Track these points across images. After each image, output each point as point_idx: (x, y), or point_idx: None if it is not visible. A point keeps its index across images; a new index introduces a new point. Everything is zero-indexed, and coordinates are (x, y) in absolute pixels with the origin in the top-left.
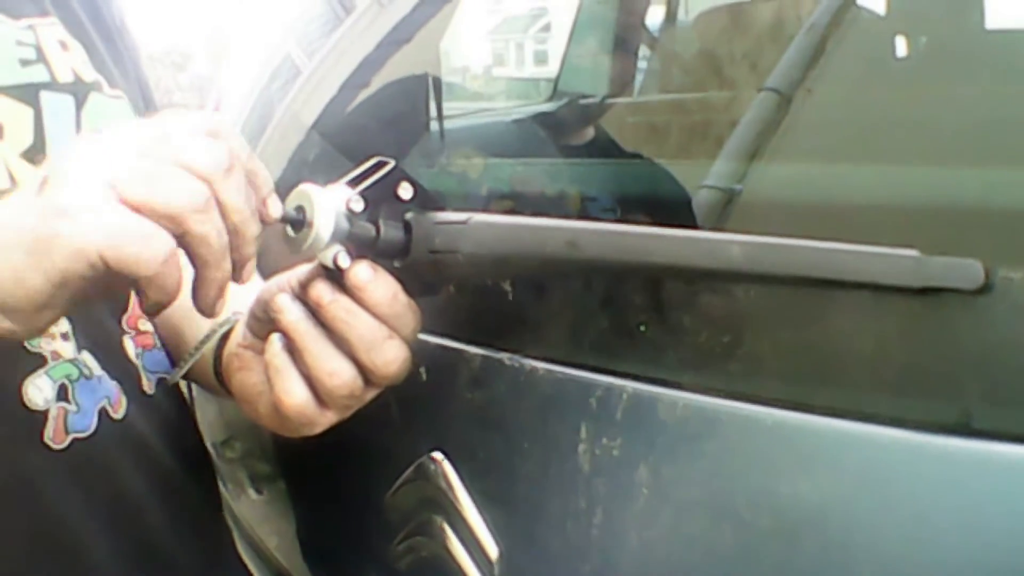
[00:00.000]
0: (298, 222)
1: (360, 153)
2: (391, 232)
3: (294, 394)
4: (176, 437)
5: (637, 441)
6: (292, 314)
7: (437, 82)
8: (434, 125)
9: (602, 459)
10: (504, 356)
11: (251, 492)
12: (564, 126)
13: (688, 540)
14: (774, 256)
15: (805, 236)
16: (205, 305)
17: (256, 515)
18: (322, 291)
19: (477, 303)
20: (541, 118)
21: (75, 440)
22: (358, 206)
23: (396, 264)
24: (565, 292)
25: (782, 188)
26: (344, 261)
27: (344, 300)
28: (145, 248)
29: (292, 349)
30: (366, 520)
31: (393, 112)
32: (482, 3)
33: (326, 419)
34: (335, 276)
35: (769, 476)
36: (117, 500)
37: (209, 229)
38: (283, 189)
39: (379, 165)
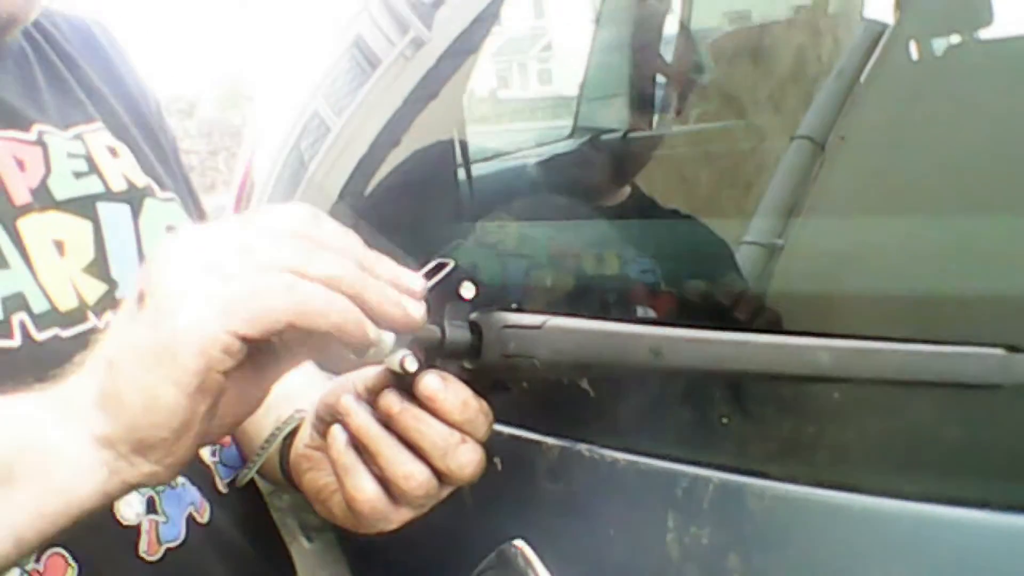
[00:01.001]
0: None
1: (388, 221)
2: (457, 333)
3: (365, 491)
4: (257, 531)
5: (726, 529)
6: (360, 417)
7: (464, 145)
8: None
9: (691, 547)
10: (583, 447)
11: (303, 540)
12: (591, 169)
13: None
14: (862, 361)
15: (852, 290)
16: (396, 324)
17: (308, 563)
18: (391, 401)
19: (552, 395)
20: (567, 161)
21: (168, 551)
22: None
23: (466, 366)
24: (644, 385)
25: (824, 241)
26: (411, 365)
27: (414, 409)
28: (268, 292)
29: (361, 448)
30: None
31: (418, 177)
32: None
33: (401, 516)
34: (403, 380)
35: (859, 561)
36: None
37: (330, 267)
38: None
39: (438, 267)
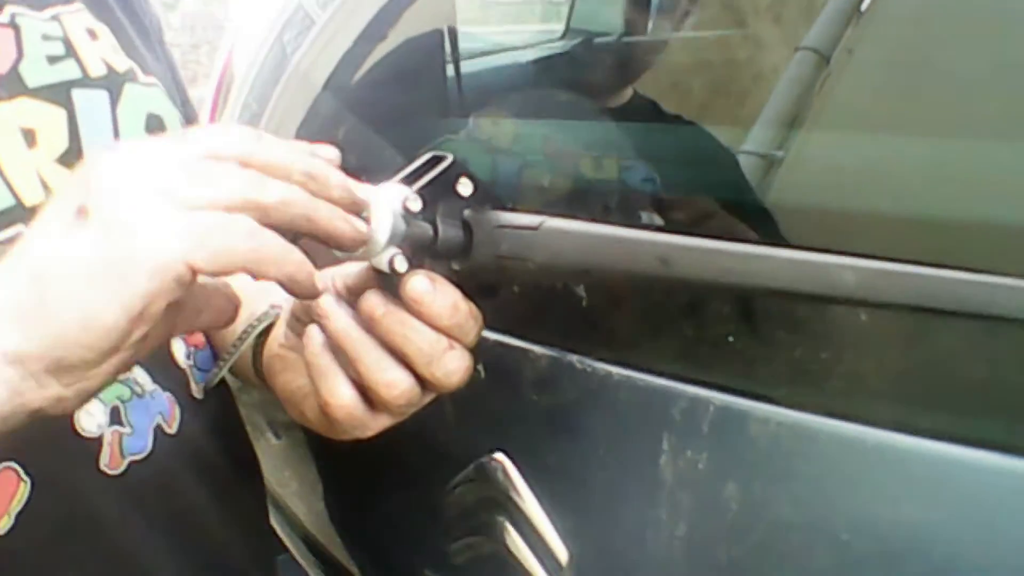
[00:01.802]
0: None
1: (374, 112)
2: (450, 232)
3: (341, 396)
4: (228, 438)
5: (725, 455)
6: (340, 320)
7: (453, 34)
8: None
9: (686, 472)
10: (574, 358)
11: (270, 436)
12: (587, 69)
13: (781, 559)
14: (891, 284)
15: (854, 207)
16: (344, 244)
17: (275, 459)
18: (374, 302)
19: (543, 301)
20: (562, 61)
21: (132, 463)
22: (416, 205)
23: (455, 266)
24: (644, 297)
25: (827, 155)
26: (401, 265)
27: (399, 312)
28: (230, 233)
29: (339, 352)
30: (412, 511)
31: (407, 68)
32: None
33: (378, 423)
34: (388, 280)
35: (870, 498)
36: (177, 517)
37: (279, 193)
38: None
39: (435, 160)
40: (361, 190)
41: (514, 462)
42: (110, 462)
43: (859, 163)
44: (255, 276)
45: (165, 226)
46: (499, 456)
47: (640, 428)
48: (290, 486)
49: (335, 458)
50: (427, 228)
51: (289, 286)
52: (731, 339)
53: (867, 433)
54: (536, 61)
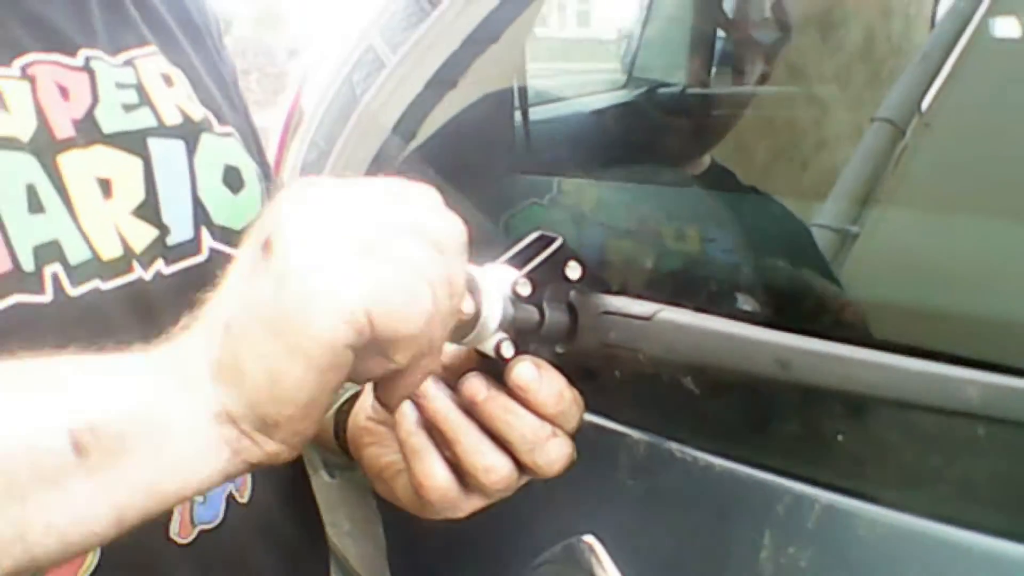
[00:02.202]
0: None
1: (442, 160)
2: (556, 316)
3: (436, 477)
4: (298, 504)
5: (829, 555)
6: (439, 401)
7: (523, 91)
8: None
9: (787, 569)
10: (673, 446)
11: (323, 475)
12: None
13: None
14: (1015, 401)
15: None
16: (389, 402)
17: (327, 499)
18: (477, 387)
19: (644, 385)
20: (628, 114)
21: (202, 532)
22: (525, 291)
23: (559, 350)
24: (750, 389)
25: (905, 234)
26: (508, 351)
27: (502, 398)
28: (412, 301)
29: (434, 432)
30: None
31: (477, 117)
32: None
33: (471, 504)
34: (488, 361)
35: None
36: None
37: (448, 308)
38: None
39: (543, 240)
40: (470, 271)
41: (604, 546)
42: (180, 530)
43: (939, 244)
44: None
45: (349, 271)
46: (589, 538)
47: (740, 521)
48: (342, 527)
49: (406, 514)
50: (534, 312)
51: (386, 398)
52: (840, 437)
53: (975, 540)
54: (601, 112)
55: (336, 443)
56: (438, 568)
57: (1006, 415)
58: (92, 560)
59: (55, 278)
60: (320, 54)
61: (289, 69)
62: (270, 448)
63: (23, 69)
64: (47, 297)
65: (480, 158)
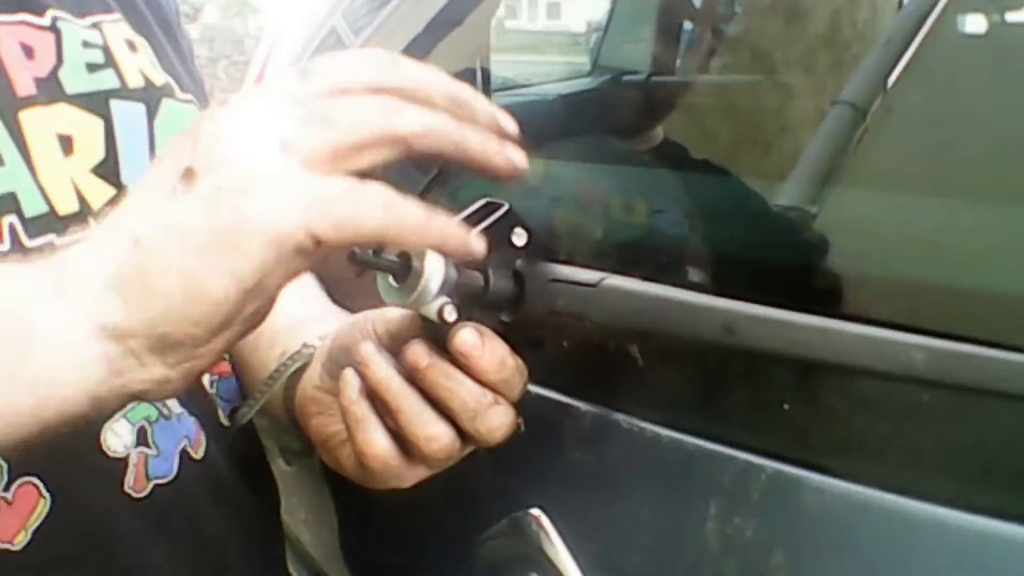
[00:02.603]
0: (400, 270)
1: None
2: (501, 283)
3: (378, 446)
4: (251, 468)
5: (775, 524)
6: (381, 369)
7: (486, 74)
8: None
9: (734, 539)
10: (621, 417)
11: (280, 463)
12: (619, 110)
13: None
14: (964, 367)
15: (890, 270)
16: (501, 173)
17: (285, 486)
18: (419, 353)
19: (589, 356)
20: (594, 101)
21: (156, 486)
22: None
23: (504, 318)
24: (697, 358)
25: (864, 214)
26: (451, 315)
27: (444, 365)
28: (361, 201)
29: (377, 400)
30: (437, 560)
31: None
32: None
33: (415, 474)
34: (432, 328)
35: (922, 574)
36: (198, 543)
37: (421, 120)
38: None
39: (490, 206)
40: None
41: (551, 519)
42: (135, 484)
43: (897, 223)
44: (391, 245)
45: (284, 189)
46: (535, 511)
47: (686, 491)
48: (298, 514)
49: (356, 496)
50: (478, 278)
51: (443, 251)
52: (786, 406)
53: (922, 508)
54: (566, 97)
55: (285, 414)
56: (387, 546)
57: (951, 380)
58: (43, 508)
59: (12, 228)
60: (282, 37)
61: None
62: (157, 372)
63: None
64: (4, 246)
65: None
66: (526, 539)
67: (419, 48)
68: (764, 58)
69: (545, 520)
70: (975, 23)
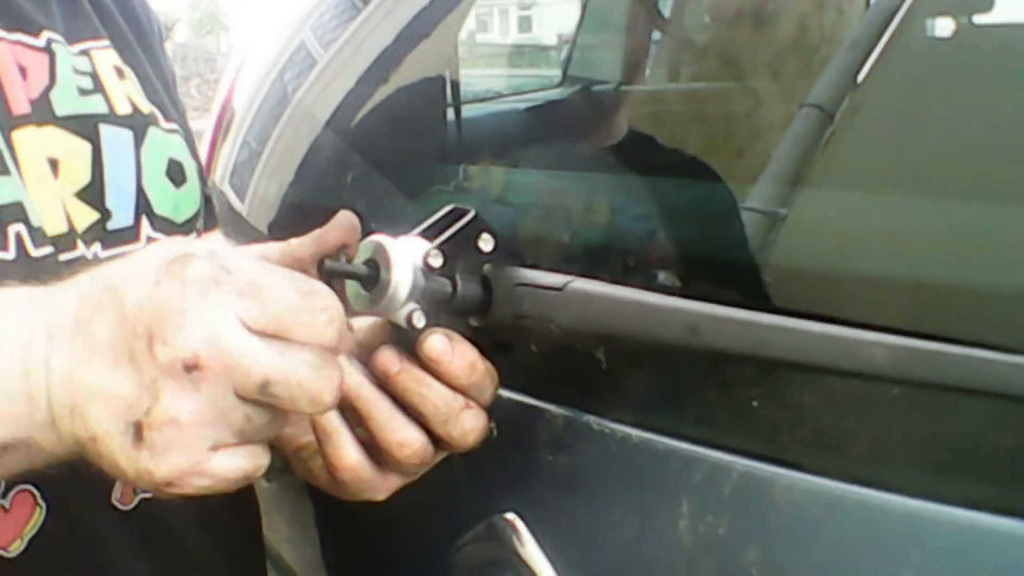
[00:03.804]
0: (368, 278)
1: (375, 151)
2: (469, 288)
3: (349, 459)
4: (235, 493)
5: (747, 521)
6: (351, 377)
7: (455, 84)
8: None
9: (706, 537)
10: (591, 419)
11: (260, 480)
12: (584, 116)
13: None
14: (923, 364)
15: (859, 270)
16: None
17: (265, 504)
18: (389, 359)
19: (559, 359)
20: (560, 108)
21: (142, 500)
22: (437, 261)
23: (473, 323)
24: (666, 358)
25: (833, 215)
26: (419, 322)
27: (414, 370)
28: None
29: (346, 409)
30: (417, 568)
31: (409, 110)
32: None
33: (389, 484)
34: (402, 335)
35: (894, 566)
36: (181, 559)
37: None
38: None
39: (456, 213)
40: (381, 242)
41: (526, 523)
42: (122, 497)
43: (866, 223)
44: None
45: (196, 480)
46: (510, 516)
47: (658, 491)
48: (279, 532)
49: (336, 510)
50: (446, 284)
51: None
52: (755, 403)
53: (892, 500)
54: (535, 108)
55: None
56: (368, 559)
57: (911, 377)
58: (39, 516)
59: (18, 237)
60: (251, 54)
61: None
62: None
63: None
64: (10, 254)
65: (408, 146)
66: (501, 543)
67: (387, 61)
68: (733, 64)
69: (520, 523)
70: (943, 26)
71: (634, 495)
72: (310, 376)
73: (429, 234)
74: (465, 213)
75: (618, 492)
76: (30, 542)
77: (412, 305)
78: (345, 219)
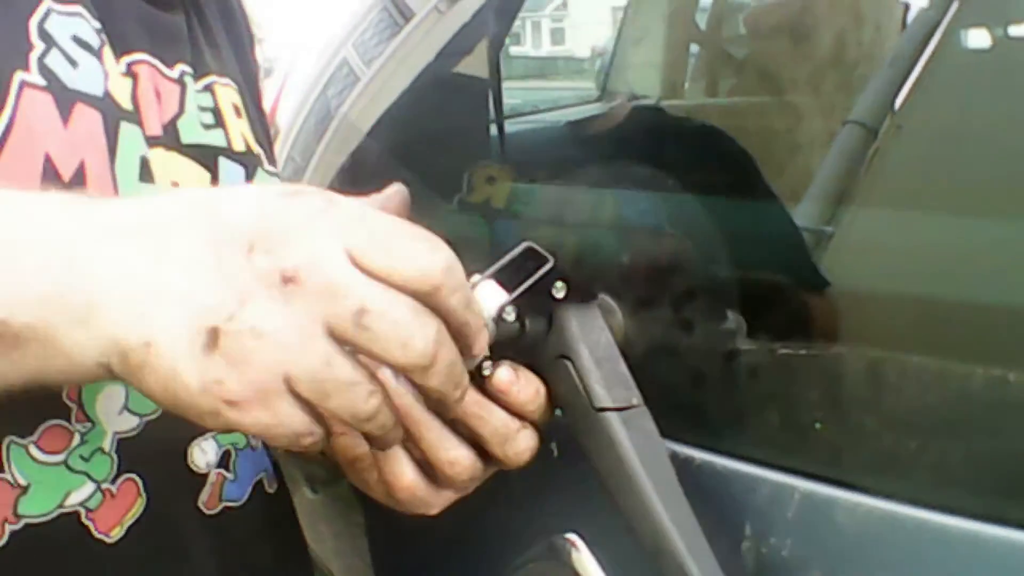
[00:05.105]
0: None
1: (417, 162)
2: (536, 327)
3: (405, 478)
4: (291, 517)
5: (810, 543)
6: (404, 398)
7: (498, 90)
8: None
9: (769, 559)
10: None
11: (306, 491)
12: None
13: None
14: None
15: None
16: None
17: (310, 514)
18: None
19: None
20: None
21: (226, 508)
22: (510, 317)
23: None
24: (729, 381)
25: (879, 233)
26: (487, 370)
27: (474, 393)
28: (295, 444)
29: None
30: None
31: (450, 121)
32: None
33: (443, 499)
34: None
35: None
36: (244, 569)
37: (374, 430)
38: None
39: (533, 257)
40: None
41: (586, 543)
42: (208, 501)
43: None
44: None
45: (260, 412)
46: (571, 536)
47: (721, 513)
48: (325, 542)
49: (390, 524)
50: (515, 327)
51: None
52: (819, 426)
53: (954, 523)
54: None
55: None
56: (420, 572)
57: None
58: (139, 507)
59: None
60: (291, 71)
61: (263, 88)
62: None
63: (128, 66)
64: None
65: (451, 158)
66: (561, 563)
67: (429, 77)
68: (771, 79)
69: (581, 544)
70: (981, 38)
71: (696, 517)
72: (407, 317)
73: (502, 277)
74: (542, 261)
75: None
76: (128, 530)
77: (484, 360)
78: (399, 195)
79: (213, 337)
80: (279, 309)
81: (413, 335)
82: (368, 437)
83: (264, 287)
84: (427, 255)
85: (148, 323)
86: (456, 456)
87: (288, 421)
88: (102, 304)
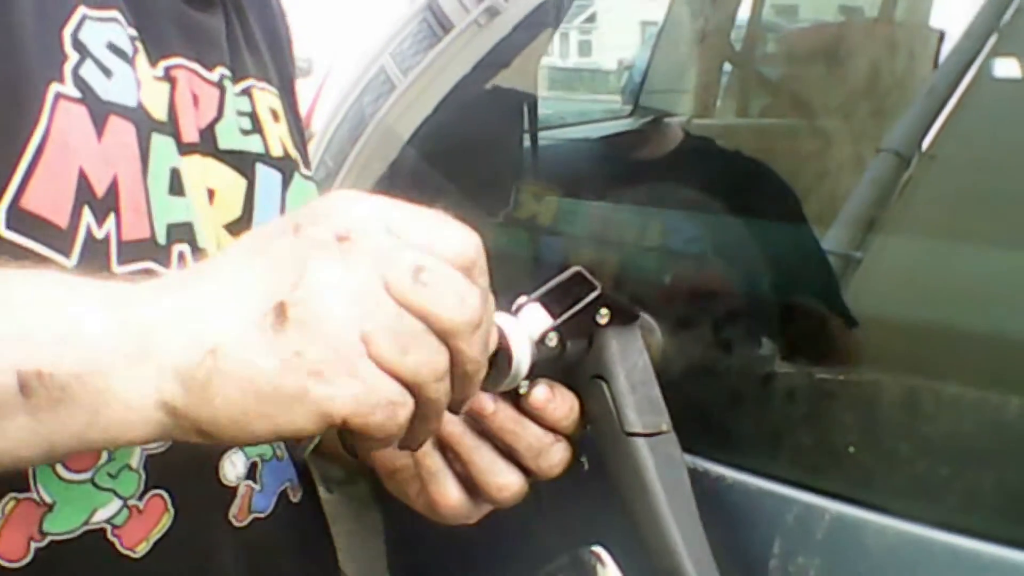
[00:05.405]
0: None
1: (453, 169)
2: (576, 348)
3: (451, 497)
4: (324, 526)
5: (838, 564)
6: (453, 424)
7: (533, 104)
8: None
9: None
10: (686, 458)
11: (321, 490)
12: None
13: None
14: None
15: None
16: (412, 444)
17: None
18: (485, 402)
19: None
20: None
21: (255, 519)
22: (553, 342)
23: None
24: (761, 401)
25: (910, 261)
26: (523, 388)
27: (509, 410)
28: (391, 418)
29: (446, 448)
30: None
31: (488, 131)
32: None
33: (481, 512)
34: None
35: None
36: None
37: (441, 396)
38: None
39: (580, 283)
40: (500, 326)
41: (612, 556)
42: (238, 513)
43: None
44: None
45: (348, 382)
46: (597, 548)
47: (750, 530)
48: (339, 543)
49: (411, 531)
50: (556, 349)
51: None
52: (852, 449)
53: (982, 548)
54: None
55: (342, 445)
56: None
57: None
58: (166, 522)
59: (181, 256)
60: (329, 77)
61: (297, 88)
62: (199, 440)
63: (166, 70)
64: (172, 271)
65: (487, 170)
66: (587, 575)
67: (466, 89)
68: (803, 103)
69: (606, 556)
70: (1015, 69)
71: (726, 533)
72: (458, 276)
73: (548, 300)
74: (590, 287)
75: (710, 530)
76: (155, 545)
77: (524, 380)
78: None
79: (280, 312)
80: (338, 264)
81: (471, 292)
82: (424, 409)
83: (320, 250)
84: (462, 234)
85: (205, 332)
86: (506, 481)
87: (380, 386)
88: (156, 339)
